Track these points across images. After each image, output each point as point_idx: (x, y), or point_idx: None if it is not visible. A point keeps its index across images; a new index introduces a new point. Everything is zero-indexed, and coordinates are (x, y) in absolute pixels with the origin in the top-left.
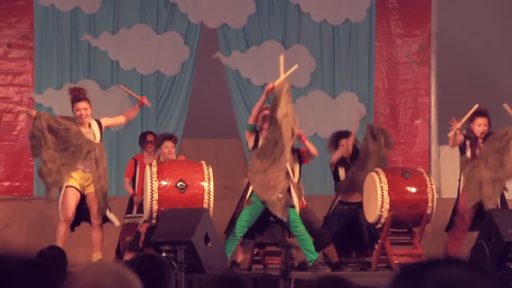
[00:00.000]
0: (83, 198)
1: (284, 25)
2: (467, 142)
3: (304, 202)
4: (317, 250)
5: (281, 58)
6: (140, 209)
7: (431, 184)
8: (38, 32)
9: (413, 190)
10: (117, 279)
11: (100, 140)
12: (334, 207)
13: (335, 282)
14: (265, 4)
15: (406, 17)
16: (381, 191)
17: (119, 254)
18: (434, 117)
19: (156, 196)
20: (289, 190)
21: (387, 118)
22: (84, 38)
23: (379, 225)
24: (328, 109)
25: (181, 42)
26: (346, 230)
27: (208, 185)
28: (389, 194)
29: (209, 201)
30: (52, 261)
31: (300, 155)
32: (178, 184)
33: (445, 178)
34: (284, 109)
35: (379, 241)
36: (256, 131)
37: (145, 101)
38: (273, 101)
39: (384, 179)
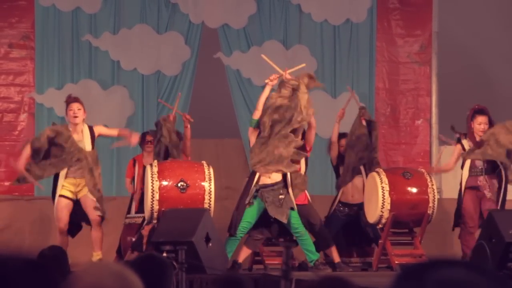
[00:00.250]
0: (78, 202)
1: (285, 25)
2: (466, 142)
3: (308, 196)
4: (318, 251)
5: (263, 56)
6: (140, 209)
7: (432, 185)
8: (39, 32)
9: (414, 190)
10: (118, 279)
11: (93, 148)
12: (335, 208)
13: (336, 283)
14: (266, 4)
15: (407, 17)
16: (382, 192)
17: (120, 254)
18: (435, 117)
19: (157, 196)
20: (287, 191)
21: (388, 118)
22: (85, 38)
23: (380, 226)
24: (329, 109)
25: (182, 42)
26: (346, 230)
27: (209, 185)
28: (390, 194)
29: (210, 201)
30: (53, 261)
31: (304, 146)
32: (179, 184)
33: (446, 178)
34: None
35: (380, 241)
36: (259, 128)
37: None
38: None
39: (385, 179)
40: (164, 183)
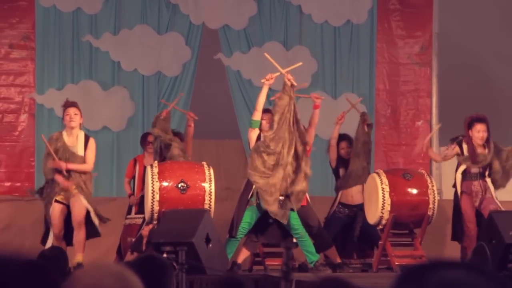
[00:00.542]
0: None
1: (286, 26)
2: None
3: (307, 198)
4: (318, 252)
5: (266, 55)
6: (140, 210)
7: (432, 186)
8: (39, 33)
9: (414, 191)
10: (118, 280)
11: (84, 153)
12: (335, 209)
13: (336, 284)
14: (266, 5)
15: (407, 19)
16: (382, 193)
17: (120, 254)
18: (435, 118)
19: (157, 197)
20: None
21: (388, 119)
22: (86, 39)
23: (380, 227)
24: (329, 110)
25: (183, 43)
26: (345, 232)
27: (209, 186)
28: (390, 195)
29: (210, 202)
30: (53, 261)
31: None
32: (179, 185)
33: (446, 179)
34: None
35: (380, 242)
36: (260, 130)
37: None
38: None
39: (385, 180)
40: (165, 184)
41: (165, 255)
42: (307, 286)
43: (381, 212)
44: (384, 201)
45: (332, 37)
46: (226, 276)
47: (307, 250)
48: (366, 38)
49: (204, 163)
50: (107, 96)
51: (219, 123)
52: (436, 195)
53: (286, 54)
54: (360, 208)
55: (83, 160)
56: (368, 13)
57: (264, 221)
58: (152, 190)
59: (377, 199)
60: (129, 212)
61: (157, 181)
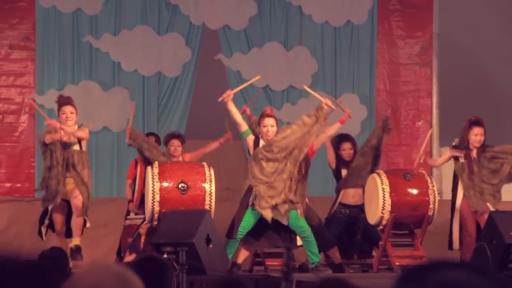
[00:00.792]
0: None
1: (286, 26)
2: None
3: (307, 201)
4: (320, 251)
5: (305, 87)
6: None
7: (433, 186)
8: (39, 33)
9: (415, 191)
10: (118, 280)
11: (80, 148)
12: (335, 209)
13: (336, 284)
14: (266, 6)
15: (407, 19)
16: (383, 193)
17: (120, 255)
18: (436, 118)
19: (157, 198)
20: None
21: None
22: (86, 39)
23: (381, 227)
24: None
25: (183, 43)
26: (346, 232)
27: (209, 187)
28: (390, 195)
29: (211, 202)
30: (54, 262)
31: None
32: (180, 186)
33: (447, 179)
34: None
35: (380, 243)
36: (255, 135)
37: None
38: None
39: (385, 180)
40: (165, 184)
41: (165, 255)
42: (307, 287)
43: (382, 212)
44: (385, 202)
45: (332, 38)
46: (226, 276)
47: (310, 250)
48: (366, 38)
49: (205, 163)
50: (107, 97)
51: (219, 123)
52: (436, 195)
53: (286, 55)
54: (360, 209)
55: (78, 153)
56: (368, 14)
57: (264, 224)
58: (152, 190)
59: (377, 199)
60: (129, 213)
61: (157, 182)
